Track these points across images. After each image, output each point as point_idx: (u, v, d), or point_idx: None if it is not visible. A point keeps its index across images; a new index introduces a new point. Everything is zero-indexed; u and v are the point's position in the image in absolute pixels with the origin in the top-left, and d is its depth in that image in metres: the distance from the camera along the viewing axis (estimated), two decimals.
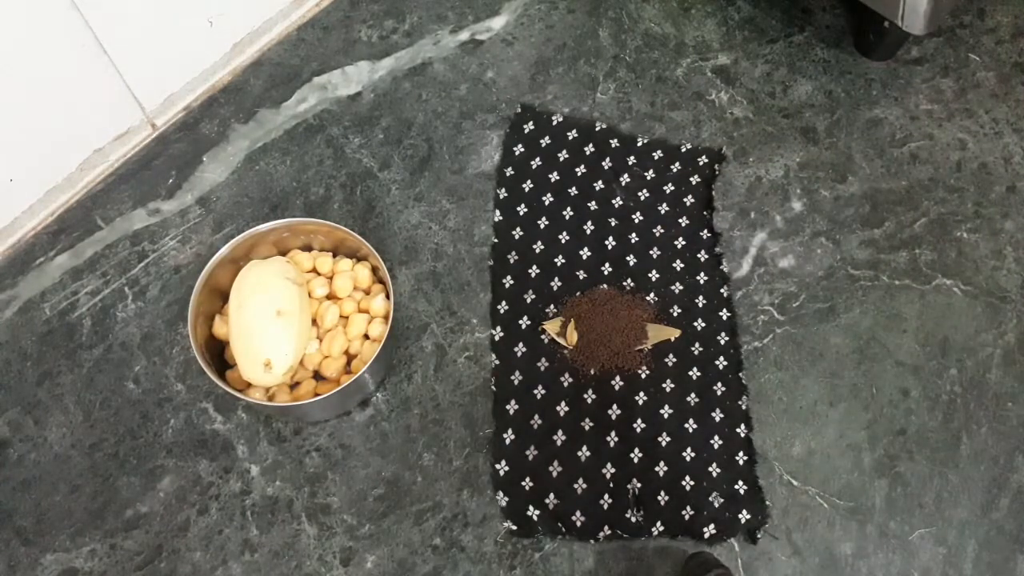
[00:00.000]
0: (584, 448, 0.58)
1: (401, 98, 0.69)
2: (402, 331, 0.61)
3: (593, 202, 0.65)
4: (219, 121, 0.69)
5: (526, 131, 0.68)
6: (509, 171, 0.67)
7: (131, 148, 0.68)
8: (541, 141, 0.68)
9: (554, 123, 0.68)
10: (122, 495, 0.56)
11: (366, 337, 0.57)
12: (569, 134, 0.68)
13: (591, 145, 0.68)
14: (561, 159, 0.67)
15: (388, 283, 0.57)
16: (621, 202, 0.65)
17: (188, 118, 0.69)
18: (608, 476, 0.57)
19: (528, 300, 0.62)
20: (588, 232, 0.65)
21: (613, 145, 0.68)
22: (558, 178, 0.66)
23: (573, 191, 0.66)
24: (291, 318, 0.54)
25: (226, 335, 0.57)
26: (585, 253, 0.64)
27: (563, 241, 0.64)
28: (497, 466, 0.56)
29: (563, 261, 0.64)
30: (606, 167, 0.67)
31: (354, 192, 0.66)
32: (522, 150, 0.67)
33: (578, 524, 0.55)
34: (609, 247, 0.64)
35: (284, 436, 0.58)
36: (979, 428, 0.57)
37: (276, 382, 0.55)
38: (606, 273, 0.63)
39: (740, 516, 0.57)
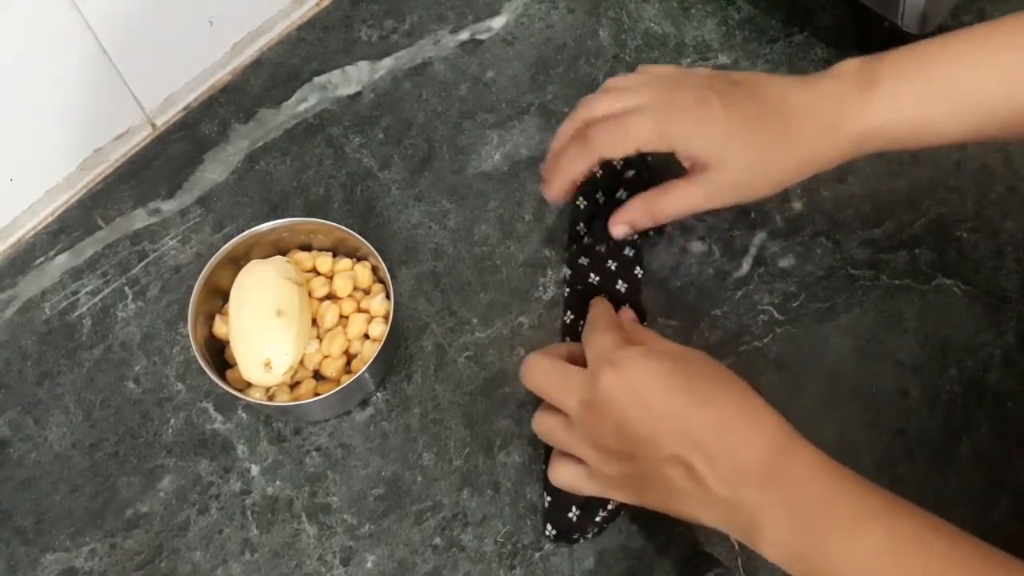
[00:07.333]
0: None
1: (401, 98, 0.69)
2: (402, 331, 0.61)
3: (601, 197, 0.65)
4: (219, 121, 0.69)
5: None
6: None
7: (131, 148, 0.68)
8: None
9: None
10: (122, 495, 0.56)
11: (366, 337, 0.57)
12: None
13: None
14: None
15: (388, 283, 0.57)
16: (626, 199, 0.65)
17: (188, 118, 0.69)
18: None
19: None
20: None
21: None
22: None
23: None
24: (291, 318, 0.54)
25: (226, 335, 0.57)
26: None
27: None
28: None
29: None
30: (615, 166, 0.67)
31: (354, 192, 0.66)
32: None
33: (609, 507, 0.54)
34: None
35: (284, 436, 0.58)
36: (979, 428, 0.57)
37: (276, 382, 0.55)
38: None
39: None
